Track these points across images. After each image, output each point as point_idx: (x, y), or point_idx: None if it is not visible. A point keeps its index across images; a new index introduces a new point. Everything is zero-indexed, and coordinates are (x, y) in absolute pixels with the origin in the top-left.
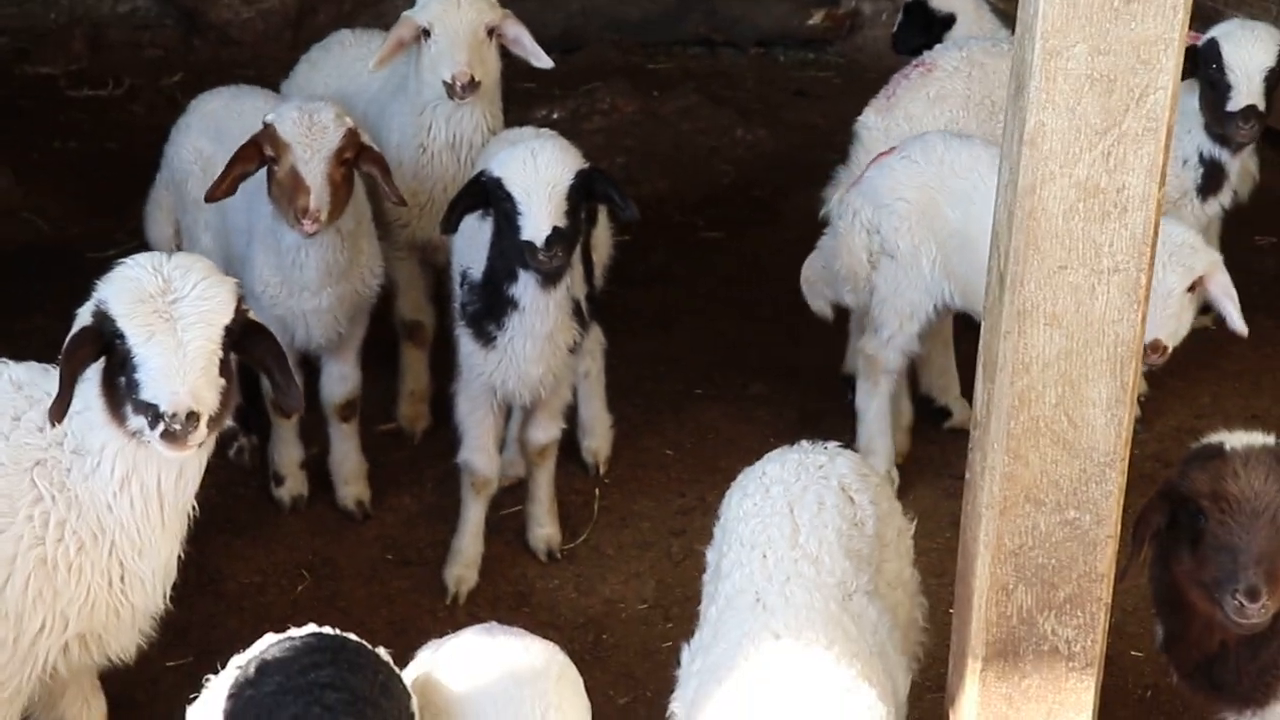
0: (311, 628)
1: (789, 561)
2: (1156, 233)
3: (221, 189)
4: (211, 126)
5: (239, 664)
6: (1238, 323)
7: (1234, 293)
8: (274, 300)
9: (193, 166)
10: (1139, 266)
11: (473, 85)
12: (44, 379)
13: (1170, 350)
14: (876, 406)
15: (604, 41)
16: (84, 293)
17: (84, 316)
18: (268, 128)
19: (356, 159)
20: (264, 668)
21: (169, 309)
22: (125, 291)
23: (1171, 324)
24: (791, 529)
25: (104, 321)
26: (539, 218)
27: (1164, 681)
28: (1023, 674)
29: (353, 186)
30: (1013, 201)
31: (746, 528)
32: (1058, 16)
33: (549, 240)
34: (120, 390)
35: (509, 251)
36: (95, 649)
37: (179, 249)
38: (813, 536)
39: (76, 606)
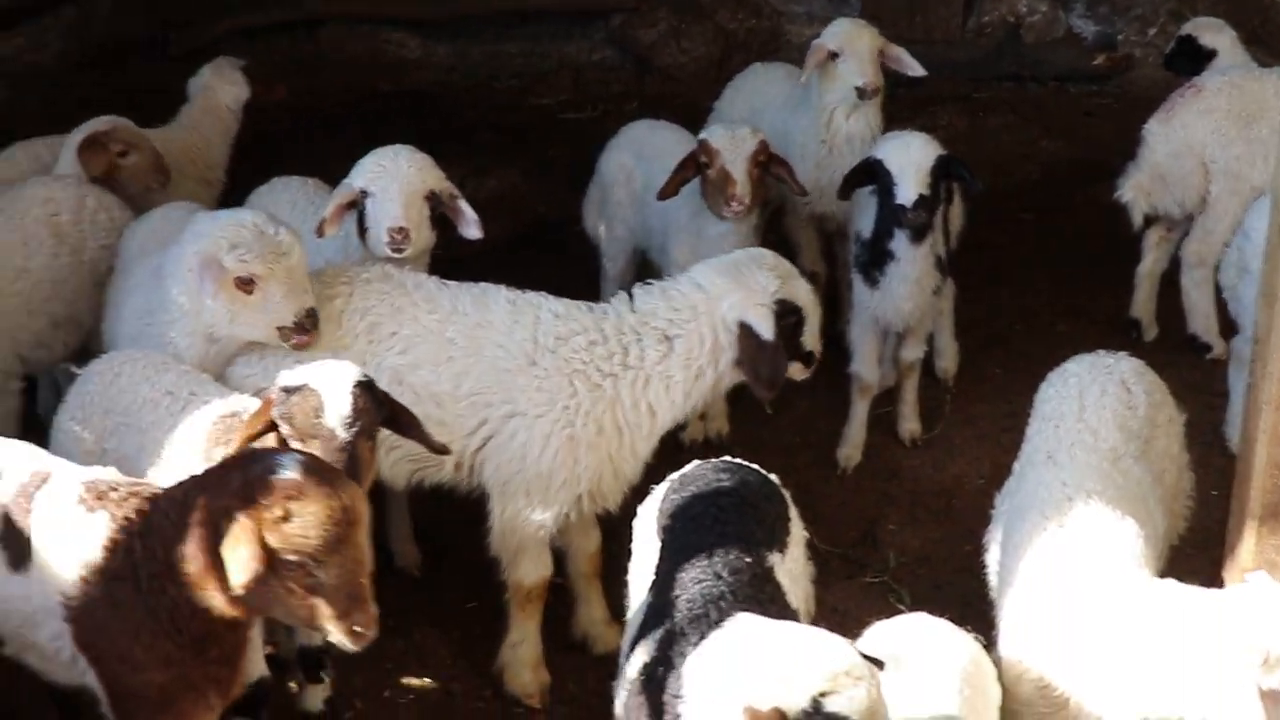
0: (725, 458)
1: (1075, 431)
2: None
3: (669, 190)
4: (633, 148)
5: (672, 477)
6: None
7: None
8: None
9: (619, 175)
10: None
11: (876, 92)
12: (577, 311)
13: None
14: (1205, 294)
15: (941, 78)
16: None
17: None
18: (703, 143)
19: (768, 163)
20: (686, 478)
21: None
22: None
23: None
24: (1079, 407)
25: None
26: (909, 187)
27: None
28: None
29: (765, 187)
30: None
31: (1048, 406)
32: None
33: (915, 204)
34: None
35: (887, 215)
36: (596, 501)
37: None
38: (1094, 414)
39: (589, 473)
